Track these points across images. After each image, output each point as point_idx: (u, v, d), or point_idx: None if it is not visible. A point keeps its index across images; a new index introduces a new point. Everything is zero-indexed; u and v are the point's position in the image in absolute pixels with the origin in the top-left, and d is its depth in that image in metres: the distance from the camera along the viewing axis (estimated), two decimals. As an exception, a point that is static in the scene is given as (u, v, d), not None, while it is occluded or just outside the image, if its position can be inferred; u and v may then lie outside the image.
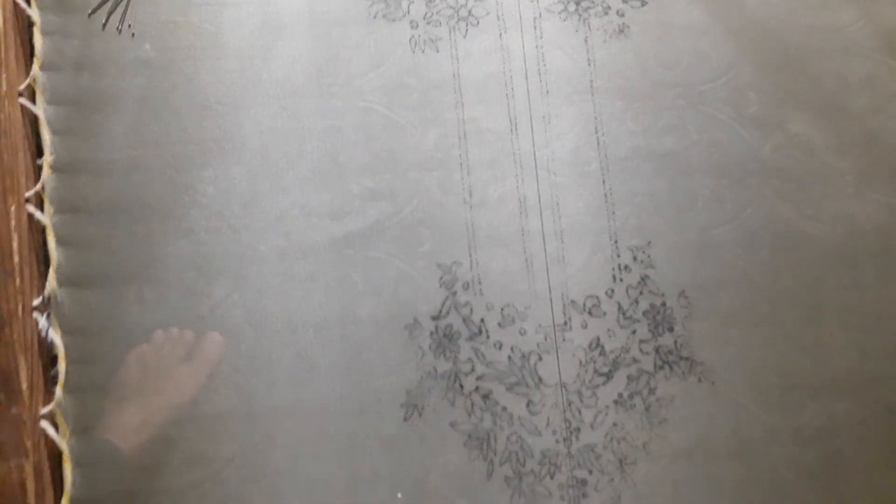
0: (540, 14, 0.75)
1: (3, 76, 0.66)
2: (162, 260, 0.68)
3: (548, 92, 0.74)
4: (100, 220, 0.68)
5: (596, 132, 0.74)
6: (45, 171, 0.67)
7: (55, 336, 0.65)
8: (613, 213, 0.74)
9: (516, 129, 0.74)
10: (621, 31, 0.76)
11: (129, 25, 0.70)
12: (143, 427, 0.65)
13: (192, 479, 0.66)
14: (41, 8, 0.69)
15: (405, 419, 0.69)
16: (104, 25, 0.70)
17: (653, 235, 0.74)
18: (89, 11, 0.70)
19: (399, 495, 0.67)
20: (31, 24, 0.69)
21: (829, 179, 0.75)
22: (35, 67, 0.68)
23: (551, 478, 0.70)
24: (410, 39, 0.73)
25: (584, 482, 0.70)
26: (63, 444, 0.64)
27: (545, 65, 0.74)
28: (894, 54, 0.78)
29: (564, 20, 0.75)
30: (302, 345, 0.68)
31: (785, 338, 0.73)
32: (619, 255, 0.73)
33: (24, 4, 0.68)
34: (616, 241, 0.73)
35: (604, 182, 0.74)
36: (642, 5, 0.76)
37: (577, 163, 0.74)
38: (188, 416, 0.66)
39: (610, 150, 0.74)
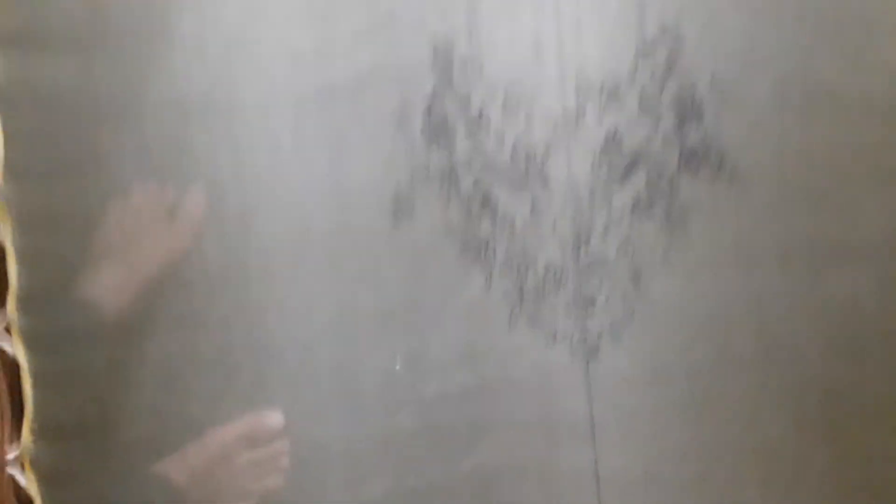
0: None
1: None
2: (140, 99, 0.59)
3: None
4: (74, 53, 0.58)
5: None
6: None
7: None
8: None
9: None
10: None
11: None
12: (125, 286, 0.60)
13: (181, 341, 0.61)
14: None
15: (394, 222, 0.62)
16: None
17: (684, 10, 0.62)
18: None
19: (397, 367, 0.63)
20: None
21: (870, 27, 0.66)
22: None
23: (556, 293, 0.63)
24: None
25: (592, 299, 0.63)
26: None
27: None
28: None
29: None
30: (294, 212, 0.62)
31: (816, 196, 0.66)
32: (644, 29, 0.62)
33: None
34: (643, 10, 0.62)
35: None
36: None
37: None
38: (173, 277, 0.61)
39: None
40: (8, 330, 0.58)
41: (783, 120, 0.65)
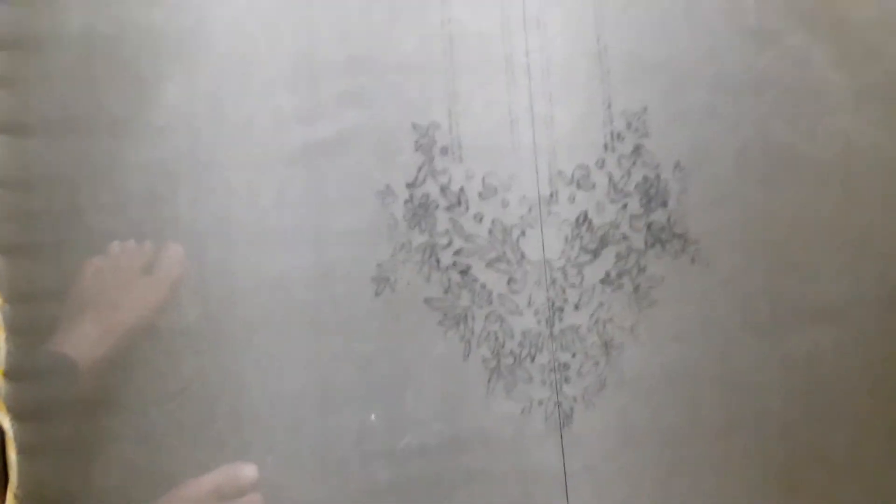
0: None
1: None
2: (123, 160, 0.62)
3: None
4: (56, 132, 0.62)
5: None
6: None
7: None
8: (608, 75, 0.67)
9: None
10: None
11: None
12: (101, 341, 0.61)
13: (154, 396, 0.62)
14: None
15: (376, 294, 0.64)
16: None
17: (649, 102, 0.67)
18: None
19: (372, 417, 0.64)
20: None
21: (826, 95, 0.71)
22: None
23: (532, 360, 0.66)
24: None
25: (566, 365, 0.66)
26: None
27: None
28: None
29: None
30: (273, 266, 0.63)
31: (777, 260, 0.69)
32: (612, 121, 0.67)
33: None
34: (609, 105, 0.67)
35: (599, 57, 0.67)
36: None
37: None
38: (149, 331, 0.62)
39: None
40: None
41: (744, 188, 0.69)
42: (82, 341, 0.61)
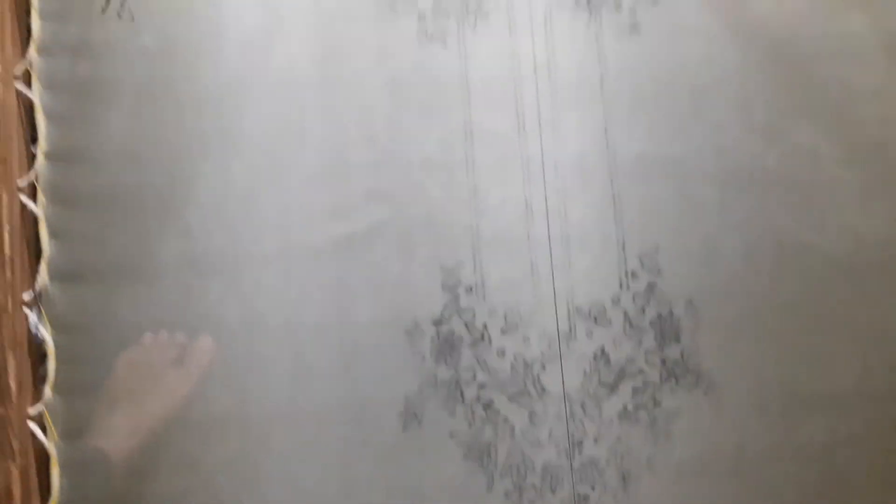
0: (551, 9, 0.73)
1: (-2, 60, 0.64)
2: (156, 256, 0.66)
3: (556, 91, 0.72)
4: (94, 213, 0.66)
5: (605, 134, 0.72)
6: (40, 160, 0.65)
7: (45, 332, 0.63)
8: (621, 217, 0.72)
9: (524, 129, 0.71)
10: (633, 29, 0.74)
11: (130, 10, 0.67)
12: (133, 432, 0.63)
13: (182, 485, 0.64)
14: (40, -11, 0.67)
15: (403, 428, 0.67)
16: (104, 9, 0.67)
17: (660, 241, 0.72)
18: (89, -6, 0.67)
19: None
20: (28, 7, 0.67)
21: (834, 190, 0.74)
22: (32, 51, 0.66)
23: (553, 492, 0.68)
24: (417, 33, 0.71)
25: (586, 498, 0.68)
26: (51, 447, 0.62)
27: (555, 61, 0.72)
28: None
29: (575, 16, 0.73)
30: (298, 348, 0.67)
31: (789, 351, 0.71)
32: (626, 261, 0.71)
33: (20, -14, 0.66)
34: (623, 247, 0.71)
35: (612, 183, 0.72)
36: (654, 5, 0.74)
37: (583, 167, 0.72)
38: (179, 420, 0.65)
39: (617, 154, 0.72)
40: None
41: (756, 280, 0.71)
42: (115, 434, 0.63)
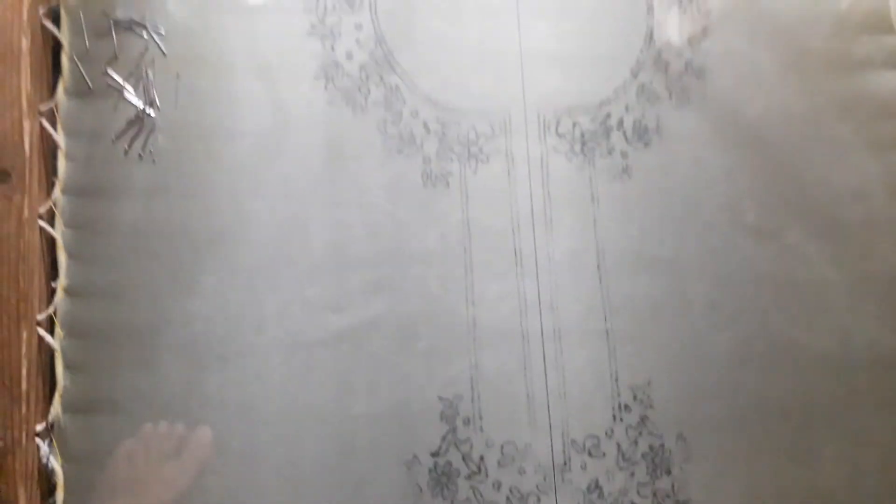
0: (547, 153, 0.77)
1: (26, 202, 0.67)
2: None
3: (552, 230, 0.76)
4: (108, 346, 0.68)
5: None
6: (59, 295, 0.68)
7: (55, 464, 0.65)
8: (614, 351, 0.74)
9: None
10: (625, 171, 0.78)
11: (151, 152, 0.72)
12: None
13: None
14: (67, 133, 0.71)
15: None
16: (126, 152, 0.71)
17: (652, 374, 0.74)
18: (113, 137, 0.71)
19: None
20: (55, 149, 0.71)
21: (824, 290, 0.76)
22: (57, 191, 0.70)
23: None
24: (422, 174, 0.75)
25: None
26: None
27: (550, 202, 0.76)
28: (887, 168, 0.80)
29: (570, 160, 0.78)
30: (296, 450, 0.68)
31: (777, 452, 0.73)
32: (619, 394, 0.74)
33: (51, 129, 0.70)
34: (617, 380, 0.74)
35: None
36: (646, 146, 0.79)
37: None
38: None
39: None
40: None
41: (747, 378, 0.73)
42: None
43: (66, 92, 0.71)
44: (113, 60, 0.72)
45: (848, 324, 0.76)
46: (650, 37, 0.80)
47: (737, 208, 0.77)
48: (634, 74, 0.80)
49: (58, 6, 0.72)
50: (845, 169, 0.79)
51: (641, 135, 0.79)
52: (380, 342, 0.71)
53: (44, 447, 0.65)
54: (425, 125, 0.76)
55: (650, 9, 0.81)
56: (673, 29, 0.81)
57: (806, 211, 0.78)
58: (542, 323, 0.74)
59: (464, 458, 0.71)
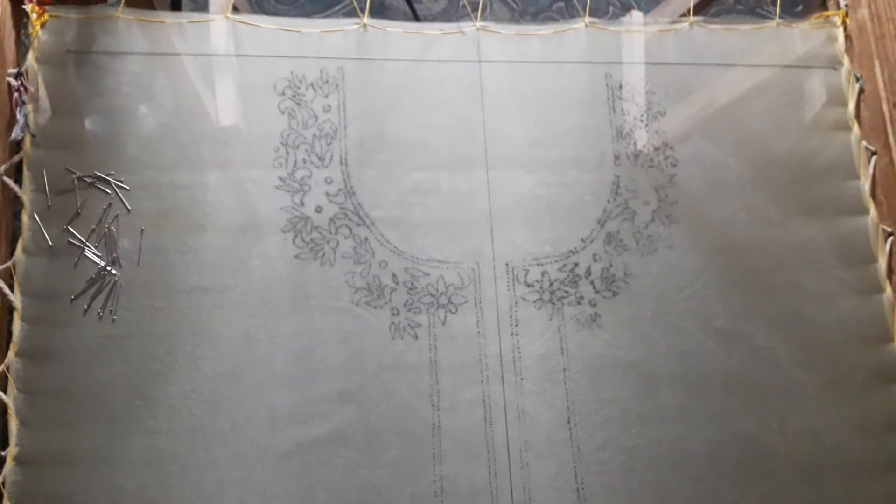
0: (516, 301, 0.77)
1: (-23, 367, 0.65)
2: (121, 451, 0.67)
3: (522, 379, 0.75)
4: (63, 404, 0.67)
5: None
6: (9, 464, 0.65)
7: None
8: (578, 448, 0.73)
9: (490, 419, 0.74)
10: (593, 320, 0.78)
11: (111, 311, 0.70)
12: None
13: None
14: (24, 293, 0.69)
15: None
16: (85, 311, 0.70)
17: (622, 482, 0.73)
18: (72, 296, 0.70)
19: None
20: (11, 310, 0.69)
21: (793, 393, 0.77)
22: (10, 355, 0.67)
23: None
24: (390, 326, 0.75)
25: None
26: None
27: (519, 351, 0.76)
28: (851, 270, 0.81)
29: (539, 308, 0.77)
30: None
31: None
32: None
33: (7, 290, 0.68)
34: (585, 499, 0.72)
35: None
36: (614, 296, 0.79)
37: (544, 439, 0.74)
38: None
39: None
40: None
41: (720, 483, 0.72)
42: None
43: (25, 251, 0.70)
44: (75, 217, 0.71)
45: (818, 427, 0.76)
46: (617, 187, 0.81)
47: (706, 312, 0.78)
48: (601, 224, 0.80)
49: (20, 162, 0.71)
50: (812, 271, 0.81)
51: (610, 284, 0.79)
52: (347, 454, 0.70)
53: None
54: (394, 276, 0.75)
55: (617, 158, 0.82)
56: (640, 141, 0.82)
57: (775, 314, 0.79)
58: (507, 433, 0.73)
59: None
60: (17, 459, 0.66)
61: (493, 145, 0.80)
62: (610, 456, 0.73)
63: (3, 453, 0.66)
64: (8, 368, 0.67)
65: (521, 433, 0.73)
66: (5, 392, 0.67)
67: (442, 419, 0.72)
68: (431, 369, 0.74)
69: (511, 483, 0.72)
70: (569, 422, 0.74)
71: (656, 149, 0.83)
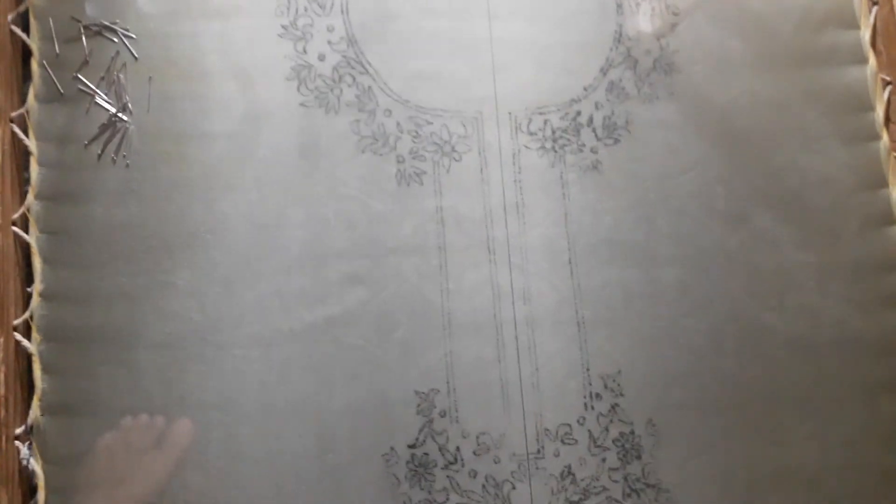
0: (519, 150, 0.79)
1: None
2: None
3: (525, 222, 0.77)
4: (85, 348, 0.69)
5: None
6: (35, 300, 0.69)
7: (36, 466, 0.66)
8: (586, 340, 0.76)
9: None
10: (594, 167, 0.80)
11: (125, 156, 0.72)
12: None
13: None
14: (39, 139, 0.71)
15: None
16: (99, 156, 0.72)
17: (624, 361, 0.76)
18: (86, 142, 0.72)
19: None
20: (27, 154, 0.71)
21: (792, 273, 0.78)
22: (30, 197, 0.70)
23: None
24: (396, 173, 0.77)
25: None
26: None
27: (522, 198, 0.78)
28: (852, 154, 0.82)
29: (541, 157, 0.79)
30: (276, 443, 0.69)
31: (748, 433, 0.75)
32: (590, 384, 0.76)
33: (22, 135, 0.70)
34: (588, 370, 0.76)
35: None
36: (615, 143, 0.80)
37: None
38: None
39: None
40: None
41: (719, 360, 0.75)
42: None
43: (37, 98, 0.71)
44: (84, 65, 0.72)
45: (816, 305, 0.78)
46: (619, 35, 0.82)
47: (708, 195, 0.79)
48: (604, 72, 0.81)
49: (26, 12, 0.72)
50: (812, 154, 0.81)
51: (611, 131, 0.80)
52: (358, 333, 0.72)
53: (24, 450, 0.66)
54: (398, 125, 0.77)
55: (619, 7, 0.83)
56: (643, 24, 0.83)
57: (775, 197, 0.80)
58: (515, 312, 0.75)
59: (440, 450, 0.72)
60: (43, 295, 0.69)
61: (495, -7, 0.80)
62: (611, 334, 0.76)
63: (29, 289, 0.69)
64: (28, 210, 0.69)
65: (529, 312, 0.75)
66: (27, 233, 0.69)
67: (452, 303, 0.74)
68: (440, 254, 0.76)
69: (518, 355, 0.75)
70: (574, 298, 0.76)
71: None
